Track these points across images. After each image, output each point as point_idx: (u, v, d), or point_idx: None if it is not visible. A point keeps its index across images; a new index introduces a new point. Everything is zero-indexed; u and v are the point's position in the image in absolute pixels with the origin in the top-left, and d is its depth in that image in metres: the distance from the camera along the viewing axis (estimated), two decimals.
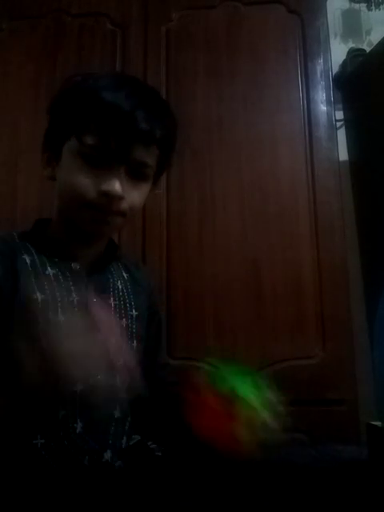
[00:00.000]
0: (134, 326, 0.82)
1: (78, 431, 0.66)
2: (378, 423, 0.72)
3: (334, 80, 1.55)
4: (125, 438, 0.75)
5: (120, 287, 0.82)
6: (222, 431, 0.58)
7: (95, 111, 0.68)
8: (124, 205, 0.72)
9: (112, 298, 0.79)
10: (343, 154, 1.61)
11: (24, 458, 0.63)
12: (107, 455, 0.69)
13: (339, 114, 1.63)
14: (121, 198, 0.70)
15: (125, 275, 0.86)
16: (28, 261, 0.71)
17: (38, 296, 0.68)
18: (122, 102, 0.68)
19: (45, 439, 0.64)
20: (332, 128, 1.47)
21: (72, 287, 0.72)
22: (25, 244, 0.74)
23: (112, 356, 0.72)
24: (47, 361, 0.62)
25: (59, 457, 0.65)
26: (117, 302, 0.79)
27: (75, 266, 0.75)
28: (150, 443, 0.79)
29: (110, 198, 0.70)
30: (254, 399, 0.58)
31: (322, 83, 1.49)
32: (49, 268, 0.72)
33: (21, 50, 1.57)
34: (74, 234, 0.76)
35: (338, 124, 1.60)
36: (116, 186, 0.69)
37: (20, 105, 1.53)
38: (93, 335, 0.68)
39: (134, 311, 0.83)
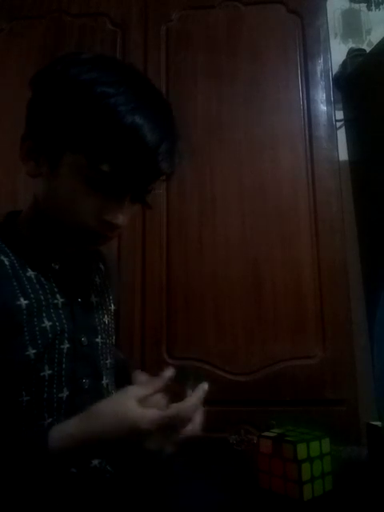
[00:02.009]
0: (113, 322, 0.79)
1: None
2: (378, 423, 0.72)
3: (333, 80, 1.55)
4: None
5: (98, 282, 0.78)
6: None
7: (115, 139, 0.58)
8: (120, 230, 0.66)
9: (93, 296, 0.74)
10: (343, 154, 1.62)
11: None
12: (95, 461, 0.66)
13: (339, 114, 1.63)
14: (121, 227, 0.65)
15: (101, 267, 0.82)
16: (7, 262, 0.63)
17: (22, 301, 0.62)
18: (147, 136, 0.59)
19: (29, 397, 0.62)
20: (332, 128, 1.47)
21: (55, 289, 0.67)
22: None
23: (98, 359, 0.71)
24: (33, 371, 0.62)
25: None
26: (98, 299, 0.75)
27: (55, 265, 0.69)
28: None
29: (112, 227, 0.64)
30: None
31: (322, 83, 1.49)
32: (29, 269, 0.65)
33: (21, 50, 1.57)
34: (54, 237, 0.68)
35: (338, 124, 1.60)
36: (122, 218, 0.64)
37: (20, 105, 1.53)
38: (79, 340, 0.68)
39: (112, 306, 0.80)
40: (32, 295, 0.63)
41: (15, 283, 0.63)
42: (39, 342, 0.62)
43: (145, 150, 0.59)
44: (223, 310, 1.38)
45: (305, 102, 1.49)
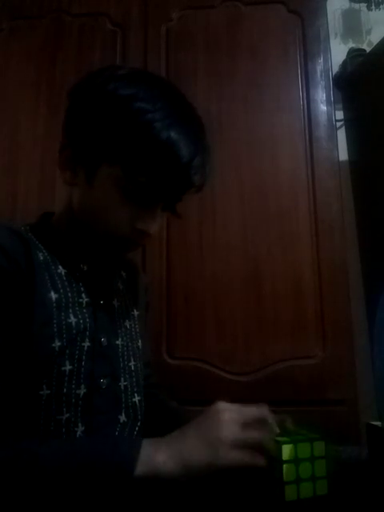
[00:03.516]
0: (137, 326, 0.82)
1: (77, 435, 0.65)
2: (378, 423, 0.72)
3: (334, 80, 1.55)
4: None
5: (121, 287, 0.82)
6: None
7: (151, 153, 0.61)
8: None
9: (115, 300, 0.78)
10: (343, 154, 1.62)
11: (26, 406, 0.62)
12: None
13: (339, 114, 1.63)
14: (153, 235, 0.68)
15: (123, 274, 0.86)
16: (41, 257, 0.67)
17: (52, 295, 0.65)
18: (181, 151, 0.62)
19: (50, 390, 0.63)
20: (332, 128, 1.47)
21: (81, 288, 0.71)
22: (33, 239, 0.69)
23: (117, 360, 0.73)
24: (55, 365, 0.63)
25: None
26: (119, 304, 0.78)
27: (84, 266, 0.73)
28: None
29: (143, 235, 0.67)
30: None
31: (322, 83, 1.49)
32: (60, 266, 0.69)
33: (21, 50, 1.57)
34: (86, 241, 0.71)
35: (338, 124, 1.60)
36: (154, 227, 0.67)
37: (20, 105, 1.53)
38: (99, 339, 0.70)
39: (135, 311, 0.83)
40: (61, 290, 0.67)
41: (47, 277, 0.66)
42: (64, 335, 0.65)
43: (179, 165, 0.62)
44: (223, 310, 1.38)
45: (305, 101, 1.49)
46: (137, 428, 0.75)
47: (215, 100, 1.50)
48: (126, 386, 0.73)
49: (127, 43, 1.56)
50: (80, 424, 0.65)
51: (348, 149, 1.66)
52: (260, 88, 1.50)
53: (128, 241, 0.68)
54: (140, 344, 0.81)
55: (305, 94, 1.49)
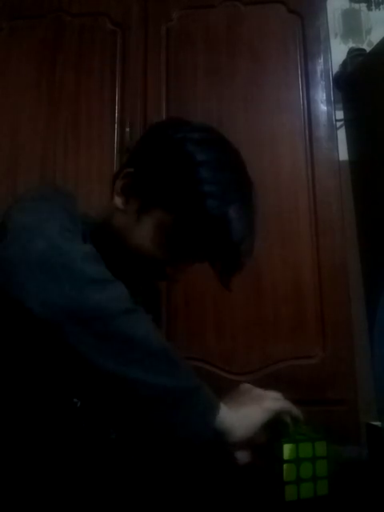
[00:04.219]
0: None
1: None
2: (378, 423, 0.72)
3: (334, 80, 1.55)
4: None
5: (139, 301, 0.84)
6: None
7: (204, 224, 0.65)
8: None
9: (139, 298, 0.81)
10: (343, 154, 1.61)
11: (61, 416, 0.64)
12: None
13: (339, 114, 1.63)
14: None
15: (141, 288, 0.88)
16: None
17: None
18: (233, 231, 0.66)
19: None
20: (332, 128, 1.47)
21: None
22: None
23: None
24: None
25: (92, 422, 0.66)
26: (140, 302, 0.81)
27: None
28: None
29: (167, 278, 0.73)
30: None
31: (322, 83, 1.49)
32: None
33: (21, 50, 1.57)
34: (116, 255, 0.73)
35: (338, 124, 1.60)
36: (180, 275, 0.73)
37: (20, 105, 1.53)
38: None
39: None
40: None
41: None
42: None
43: (228, 243, 0.66)
44: (223, 310, 1.38)
45: (305, 101, 1.49)
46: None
47: (215, 100, 1.50)
48: None
49: (127, 43, 1.55)
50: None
51: (348, 149, 1.66)
52: (260, 88, 1.50)
53: (154, 274, 0.72)
54: None
55: (305, 94, 1.49)
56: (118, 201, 0.71)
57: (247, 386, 0.67)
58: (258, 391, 0.66)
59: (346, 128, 1.67)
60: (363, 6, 1.81)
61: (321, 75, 1.50)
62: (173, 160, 0.67)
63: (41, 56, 1.56)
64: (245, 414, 0.59)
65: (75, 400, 0.64)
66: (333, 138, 1.47)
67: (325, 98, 1.49)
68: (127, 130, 1.48)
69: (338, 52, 1.71)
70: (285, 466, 0.57)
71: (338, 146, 1.47)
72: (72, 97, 1.52)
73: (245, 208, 0.69)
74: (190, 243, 0.67)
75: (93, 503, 0.61)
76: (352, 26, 1.80)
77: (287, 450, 0.58)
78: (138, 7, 1.57)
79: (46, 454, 0.62)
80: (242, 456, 0.62)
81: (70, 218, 0.63)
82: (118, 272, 0.73)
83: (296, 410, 0.64)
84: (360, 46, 1.74)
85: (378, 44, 1.57)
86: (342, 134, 1.64)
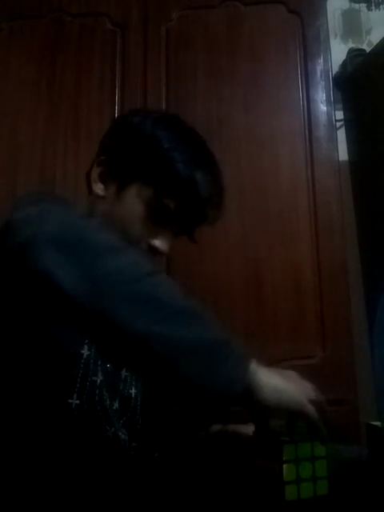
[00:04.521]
0: None
1: (114, 408, 0.70)
2: (378, 423, 0.72)
3: (333, 80, 1.55)
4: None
5: None
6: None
7: (178, 186, 0.73)
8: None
9: None
10: (343, 154, 1.61)
11: (56, 415, 0.64)
12: (123, 436, 0.71)
13: (339, 114, 1.63)
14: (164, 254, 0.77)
15: None
16: None
17: None
18: (201, 190, 0.73)
19: (79, 401, 0.65)
20: (332, 128, 1.47)
21: None
22: None
23: None
24: None
25: (89, 421, 0.66)
26: None
27: None
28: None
29: (156, 252, 0.76)
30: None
31: (322, 83, 1.49)
32: None
33: (21, 50, 1.57)
34: None
35: (338, 124, 1.60)
36: (167, 246, 0.77)
37: (20, 105, 1.53)
38: None
39: None
40: None
41: None
42: None
43: (198, 200, 0.74)
44: (223, 310, 1.38)
45: (305, 102, 1.49)
46: (125, 418, 0.76)
47: (215, 100, 1.50)
48: (125, 377, 0.75)
49: (127, 43, 1.55)
50: (75, 396, 0.66)
51: (348, 149, 1.66)
52: (260, 88, 1.50)
53: (143, 253, 0.75)
54: None
55: (305, 94, 1.49)
56: (98, 187, 0.77)
57: (294, 372, 0.66)
58: (307, 383, 0.65)
59: (345, 128, 1.67)
60: (363, 6, 1.81)
61: (321, 75, 1.50)
62: (138, 140, 0.76)
63: (41, 56, 1.56)
64: (279, 382, 0.60)
65: (70, 401, 0.64)
66: (333, 138, 1.47)
67: (325, 98, 1.49)
68: None
69: (338, 52, 1.71)
70: (284, 466, 0.57)
71: (337, 146, 1.47)
72: (72, 97, 1.52)
73: (210, 172, 0.77)
74: (169, 207, 0.73)
75: (91, 503, 0.61)
76: (352, 26, 1.80)
77: (287, 450, 0.58)
78: (137, 7, 1.57)
79: (43, 456, 0.62)
80: (247, 430, 0.63)
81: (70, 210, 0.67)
82: None
83: (321, 426, 0.60)
84: (360, 46, 1.74)
85: (377, 44, 1.57)
86: (341, 134, 1.64)
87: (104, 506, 0.62)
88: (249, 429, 0.75)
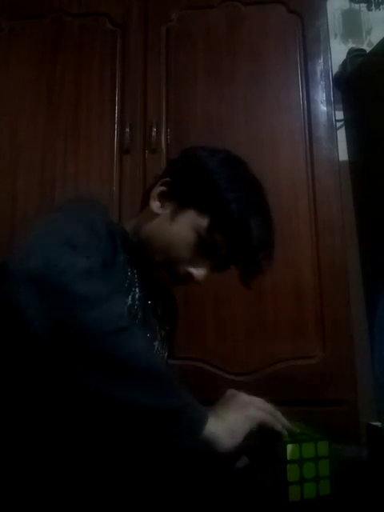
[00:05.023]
0: (163, 350, 0.91)
1: None
2: (378, 423, 0.72)
3: (333, 80, 1.55)
4: None
5: (158, 311, 0.89)
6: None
7: (233, 227, 0.75)
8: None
9: (153, 315, 0.85)
10: (343, 154, 1.62)
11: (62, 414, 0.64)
12: None
13: (339, 114, 1.63)
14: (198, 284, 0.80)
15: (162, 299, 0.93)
16: (122, 258, 0.76)
17: (129, 299, 0.75)
18: (253, 236, 0.75)
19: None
20: (332, 128, 1.47)
21: (136, 282, 0.79)
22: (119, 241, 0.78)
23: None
24: None
25: None
26: (154, 320, 0.86)
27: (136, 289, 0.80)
28: None
29: (190, 279, 0.79)
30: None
31: (322, 83, 1.49)
32: (129, 273, 0.78)
33: (21, 50, 1.57)
34: (142, 265, 0.81)
35: (338, 124, 1.60)
36: (203, 276, 0.79)
37: (20, 105, 1.53)
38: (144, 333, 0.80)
39: (163, 331, 0.91)
40: (130, 296, 0.76)
41: (125, 280, 0.77)
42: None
43: (249, 244, 0.76)
44: (223, 310, 1.38)
45: (305, 102, 1.49)
46: None
47: (215, 100, 1.50)
48: None
49: (127, 43, 1.55)
50: None
51: (348, 149, 1.66)
52: (260, 88, 1.50)
53: (177, 277, 0.79)
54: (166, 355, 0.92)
55: (305, 94, 1.49)
56: (155, 205, 0.81)
57: (233, 391, 0.66)
58: (243, 398, 0.64)
59: (345, 128, 1.67)
60: (363, 6, 1.81)
61: (321, 75, 1.50)
62: (201, 173, 0.79)
63: (41, 56, 1.56)
64: (229, 423, 0.60)
65: None
66: (333, 138, 1.46)
67: (325, 98, 1.49)
68: (127, 130, 1.48)
69: (338, 52, 1.71)
70: (288, 466, 0.57)
71: (337, 146, 1.46)
72: (72, 97, 1.52)
73: (264, 222, 0.79)
74: (218, 242, 0.76)
75: (93, 504, 0.61)
76: (352, 26, 1.80)
77: (290, 450, 0.58)
78: (137, 7, 1.57)
79: (48, 454, 0.62)
80: (240, 462, 0.64)
81: (86, 231, 0.67)
82: (144, 282, 0.81)
83: (280, 417, 0.64)
84: (360, 47, 1.74)
85: (377, 44, 1.57)
86: (341, 134, 1.64)
87: (109, 505, 0.62)
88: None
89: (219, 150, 0.84)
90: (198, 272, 0.78)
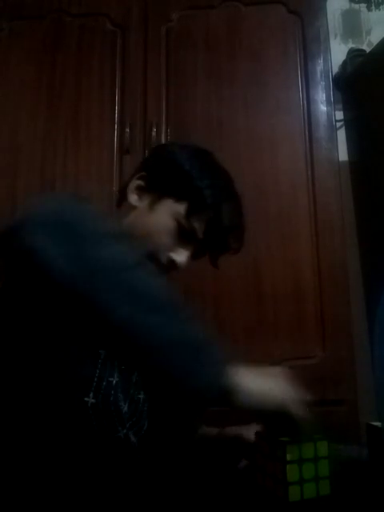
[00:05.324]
0: None
1: (123, 409, 0.70)
2: (378, 423, 0.72)
3: (333, 80, 1.55)
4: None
5: None
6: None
7: (207, 213, 0.79)
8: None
9: None
10: (343, 154, 1.62)
11: (71, 413, 0.65)
12: (121, 432, 0.71)
13: (339, 114, 1.63)
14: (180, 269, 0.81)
15: None
16: None
17: None
18: (224, 220, 0.80)
19: (95, 400, 0.66)
20: (332, 128, 1.47)
21: None
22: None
23: None
24: None
25: (102, 421, 0.66)
26: None
27: None
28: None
29: (173, 266, 0.81)
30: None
31: (322, 83, 1.49)
32: None
33: (21, 50, 1.57)
34: None
35: (338, 124, 1.60)
36: (184, 262, 0.81)
37: (20, 105, 1.53)
38: None
39: None
40: None
41: None
42: None
43: (222, 227, 0.80)
44: (223, 310, 1.38)
45: (305, 102, 1.49)
46: (131, 422, 0.76)
47: (215, 100, 1.50)
48: (137, 381, 0.75)
49: (127, 43, 1.55)
50: (91, 394, 0.66)
51: (348, 149, 1.66)
52: (260, 88, 1.50)
53: (160, 265, 0.80)
54: None
55: (305, 95, 1.49)
56: (133, 198, 0.84)
57: (279, 369, 0.66)
58: (283, 380, 0.62)
59: (345, 128, 1.67)
60: (363, 6, 1.81)
61: (321, 76, 1.50)
62: (174, 167, 0.82)
63: (41, 56, 1.56)
64: (260, 385, 0.58)
65: (86, 399, 0.65)
66: (333, 138, 1.47)
67: (325, 98, 1.49)
68: (127, 130, 1.48)
69: (338, 52, 1.71)
70: (288, 466, 0.57)
71: (337, 147, 1.47)
72: (72, 97, 1.52)
73: (235, 207, 0.83)
74: (196, 227, 0.79)
75: (99, 503, 0.62)
76: (352, 26, 1.80)
77: (290, 450, 0.58)
78: (137, 8, 1.57)
79: (54, 453, 0.63)
80: (241, 464, 0.63)
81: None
82: None
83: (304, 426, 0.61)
84: (360, 47, 1.74)
85: (377, 44, 1.57)
86: (341, 135, 1.64)
87: (111, 507, 0.62)
88: (250, 430, 0.75)
89: (188, 144, 0.90)
90: (179, 258, 0.81)
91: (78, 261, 0.56)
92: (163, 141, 1.48)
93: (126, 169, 1.47)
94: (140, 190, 0.84)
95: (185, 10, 1.57)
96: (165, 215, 0.80)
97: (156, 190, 0.83)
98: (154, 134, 1.46)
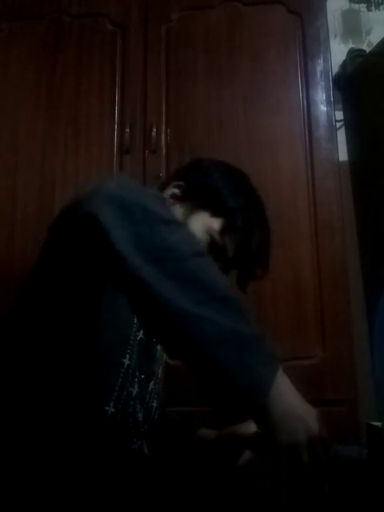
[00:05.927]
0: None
1: (139, 419, 0.71)
2: (378, 423, 0.72)
3: (333, 80, 1.55)
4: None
5: None
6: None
7: (239, 236, 0.82)
8: None
9: None
10: (343, 154, 1.62)
11: (90, 421, 0.64)
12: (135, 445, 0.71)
13: (339, 115, 1.63)
14: None
15: None
16: None
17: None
18: (252, 245, 0.82)
19: (115, 409, 0.66)
20: (332, 128, 1.47)
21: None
22: None
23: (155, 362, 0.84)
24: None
25: (119, 431, 0.66)
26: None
27: None
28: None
29: None
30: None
31: (322, 83, 1.49)
32: None
33: (21, 50, 1.57)
34: None
35: (338, 124, 1.60)
36: None
37: (20, 105, 1.53)
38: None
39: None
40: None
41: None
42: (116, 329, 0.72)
43: (251, 253, 0.82)
44: None
45: (305, 102, 1.49)
46: (143, 429, 0.76)
47: (215, 100, 1.50)
48: (152, 389, 0.77)
49: (127, 43, 1.55)
50: (112, 404, 0.66)
51: (348, 149, 1.66)
52: (260, 88, 1.50)
53: None
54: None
55: (305, 95, 1.49)
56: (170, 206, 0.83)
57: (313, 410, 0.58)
58: (315, 421, 0.56)
59: (345, 128, 1.67)
60: (363, 6, 1.81)
61: (320, 76, 1.50)
62: (209, 182, 0.85)
63: (41, 56, 1.56)
64: (297, 404, 0.54)
65: (106, 408, 0.65)
66: (332, 138, 1.46)
67: (324, 98, 1.49)
68: (127, 130, 1.48)
69: (338, 52, 1.71)
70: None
71: (337, 147, 1.47)
72: (72, 97, 1.52)
73: (264, 233, 0.85)
74: (226, 245, 0.81)
75: (94, 503, 0.61)
76: (352, 26, 1.80)
77: None
78: (137, 8, 1.57)
79: (71, 459, 0.62)
80: (242, 459, 0.63)
81: None
82: None
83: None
84: (360, 47, 1.74)
85: (377, 44, 1.57)
86: (341, 135, 1.64)
87: (108, 505, 0.62)
88: (248, 427, 0.75)
89: (225, 162, 0.92)
90: None
91: (144, 241, 0.54)
92: (163, 141, 1.48)
93: (126, 169, 1.47)
94: (175, 199, 0.85)
95: (185, 10, 1.57)
96: (199, 226, 0.81)
97: (194, 200, 0.84)
98: (153, 134, 1.47)
